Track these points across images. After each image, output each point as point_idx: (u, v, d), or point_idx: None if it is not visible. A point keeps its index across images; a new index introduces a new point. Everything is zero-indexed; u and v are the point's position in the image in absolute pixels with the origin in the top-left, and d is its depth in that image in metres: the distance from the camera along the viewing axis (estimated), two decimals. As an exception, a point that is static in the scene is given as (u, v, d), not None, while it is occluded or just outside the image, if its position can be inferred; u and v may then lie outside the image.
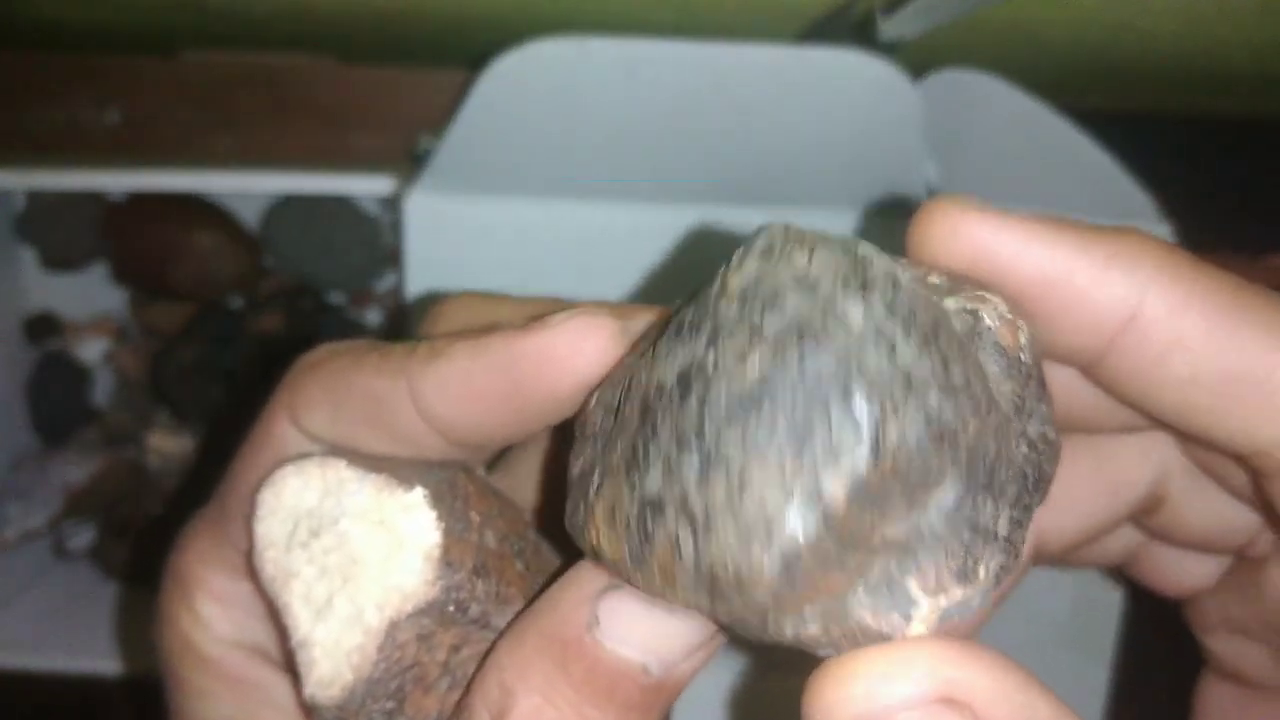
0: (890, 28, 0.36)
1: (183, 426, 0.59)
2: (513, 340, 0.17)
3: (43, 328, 0.60)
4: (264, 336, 0.59)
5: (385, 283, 0.61)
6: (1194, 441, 0.18)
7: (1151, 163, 0.38)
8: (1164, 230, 0.38)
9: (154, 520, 0.60)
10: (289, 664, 0.18)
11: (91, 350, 0.61)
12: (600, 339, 0.17)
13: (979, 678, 0.13)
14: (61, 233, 0.59)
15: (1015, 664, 0.14)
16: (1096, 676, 0.42)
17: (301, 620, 0.17)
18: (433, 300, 0.21)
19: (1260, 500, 0.19)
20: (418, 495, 0.17)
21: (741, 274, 0.14)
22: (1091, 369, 0.17)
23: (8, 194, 0.58)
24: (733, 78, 0.39)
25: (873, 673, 0.13)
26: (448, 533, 0.17)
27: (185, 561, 0.21)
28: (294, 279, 0.60)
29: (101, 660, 0.53)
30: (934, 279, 0.16)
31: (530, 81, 0.38)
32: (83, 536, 0.60)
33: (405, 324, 0.45)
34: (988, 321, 0.15)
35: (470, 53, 0.48)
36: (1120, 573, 0.23)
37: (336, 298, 0.62)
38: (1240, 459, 0.17)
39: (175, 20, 0.48)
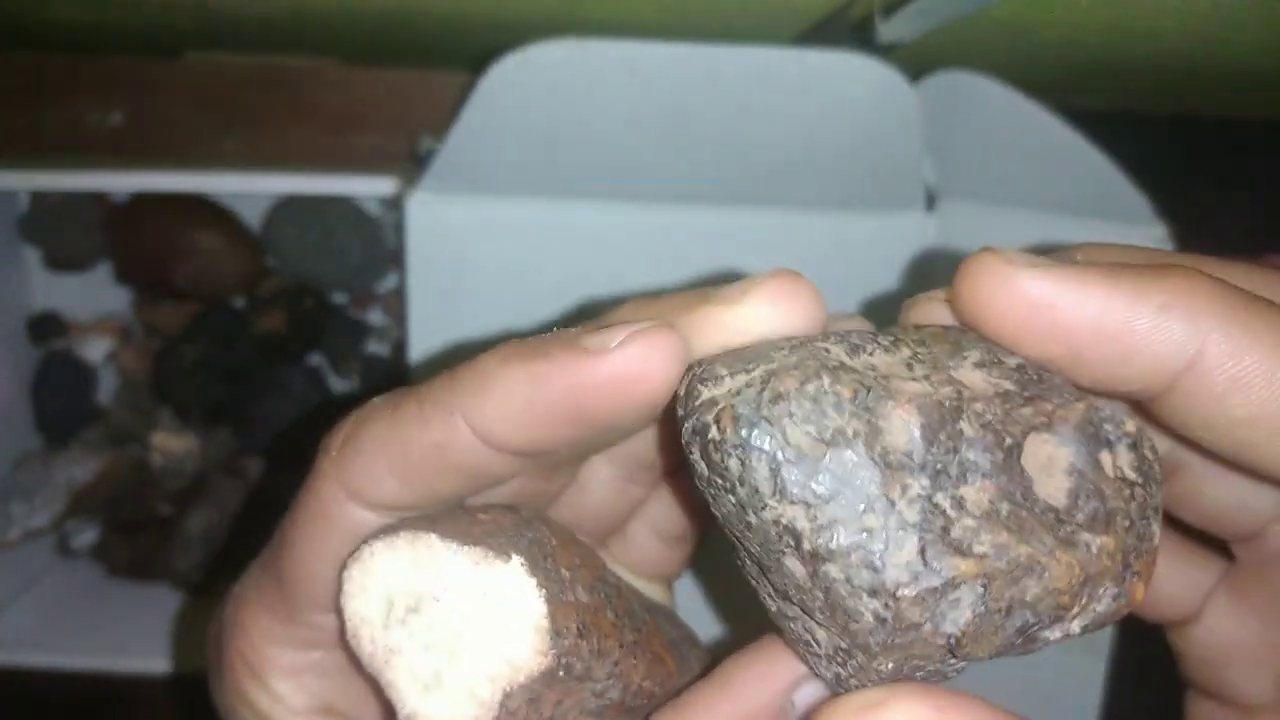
0: (888, 30, 0.36)
1: (186, 426, 0.59)
2: (573, 364, 0.16)
3: (47, 328, 0.61)
4: (266, 336, 0.59)
5: (387, 283, 0.61)
6: (1252, 475, 0.18)
7: (1148, 163, 0.38)
8: (1160, 231, 0.38)
9: (157, 519, 0.60)
10: None
11: (95, 350, 0.61)
12: (665, 357, 0.16)
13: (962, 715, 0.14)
14: (65, 233, 0.59)
15: (996, 710, 0.15)
16: (1094, 670, 0.42)
17: (409, 696, 0.17)
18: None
19: None
20: (516, 565, 0.17)
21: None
22: (1146, 405, 0.17)
23: (12, 194, 0.59)
24: (732, 80, 0.39)
25: (852, 709, 0.15)
26: (550, 599, 0.17)
27: (251, 645, 0.20)
28: (296, 279, 0.60)
29: (105, 658, 0.53)
30: (1008, 385, 0.16)
31: (531, 83, 0.38)
32: (86, 535, 0.60)
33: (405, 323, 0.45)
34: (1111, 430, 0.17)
35: (472, 55, 0.48)
36: None
37: (338, 298, 0.62)
38: None
39: (179, 22, 0.48)
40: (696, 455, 0.16)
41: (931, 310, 0.18)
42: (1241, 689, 0.21)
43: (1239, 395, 0.15)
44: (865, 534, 0.15)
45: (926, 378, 0.16)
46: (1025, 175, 0.41)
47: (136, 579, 0.60)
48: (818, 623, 0.16)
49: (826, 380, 0.15)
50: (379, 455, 0.18)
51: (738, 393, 0.15)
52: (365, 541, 0.18)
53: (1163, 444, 0.20)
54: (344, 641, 0.19)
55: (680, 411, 0.16)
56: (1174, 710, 0.23)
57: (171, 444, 0.59)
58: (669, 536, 0.24)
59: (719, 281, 0.18)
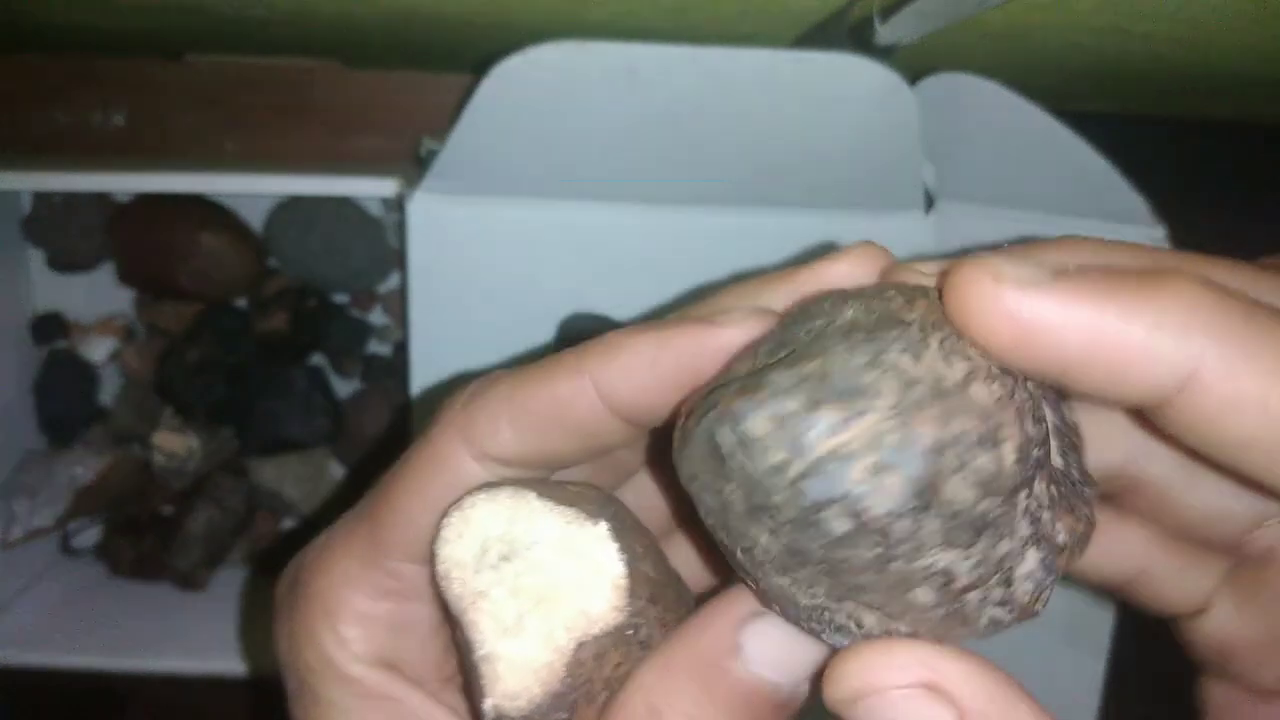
0: (887, 32, 0.37)
1: (188, 425, 0.60)
2: (696, 332, 0.19)
3: (49, 328, 0.61)
4: (269, 336, 0.60)
5: (389, 283, 0.62)
6: (1249, 486, 0.18)
7: (1146, 165, 0.39)
8: (1158, 233, 0.38)
9: (159, 519, 0.61)
10: (465, 676, 0.20)
11: (98, 350, 0.61)
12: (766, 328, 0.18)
13: (962, 673, 0.15)
14: (68, 234, 0.59)
15: (997, 668, 0.16)
16: (1092, 669, 0.43)
17: (489, 636, 0.19)
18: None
19: None
20: (603, 529, 0.19)
21: None
22: (1140, 417, 0.17)
23: (15, 195, 0.59)
24: (732, 82, 0.39)
25: (869, 660, 0.16)
26: (628, 564, 0.19)
27: (330, 583, 0.21)
28: (298, 279, 0.61)
29: (107, 657, 0.54)
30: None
31: (532, 85, 0.38)
32: (89, 534, 0.60)
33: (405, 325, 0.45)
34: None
35: (473, 57, 0.48)
36: (1118, 596, 0.23)
37: (340, 298, 0.62)
38: None
39: (181, 24, 0.48)
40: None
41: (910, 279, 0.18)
42: (1254, 678, 0.21)
43: (1233, 417, 0.15)
44: (1002, 560, 0.16)
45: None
46: (1023, 177, 0.41)
47: (138, 578, 0.60)
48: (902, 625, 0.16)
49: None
50: (501, 407, 0.20)
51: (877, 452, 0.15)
52: (468, 493, 0.20)
53: (1120, 455, 0.20)
54: (427, 594, 0.21)
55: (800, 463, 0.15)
56: (1173, 710, 0.23)
57: (173, 444, 0.59)
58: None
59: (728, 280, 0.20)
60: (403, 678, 0.22)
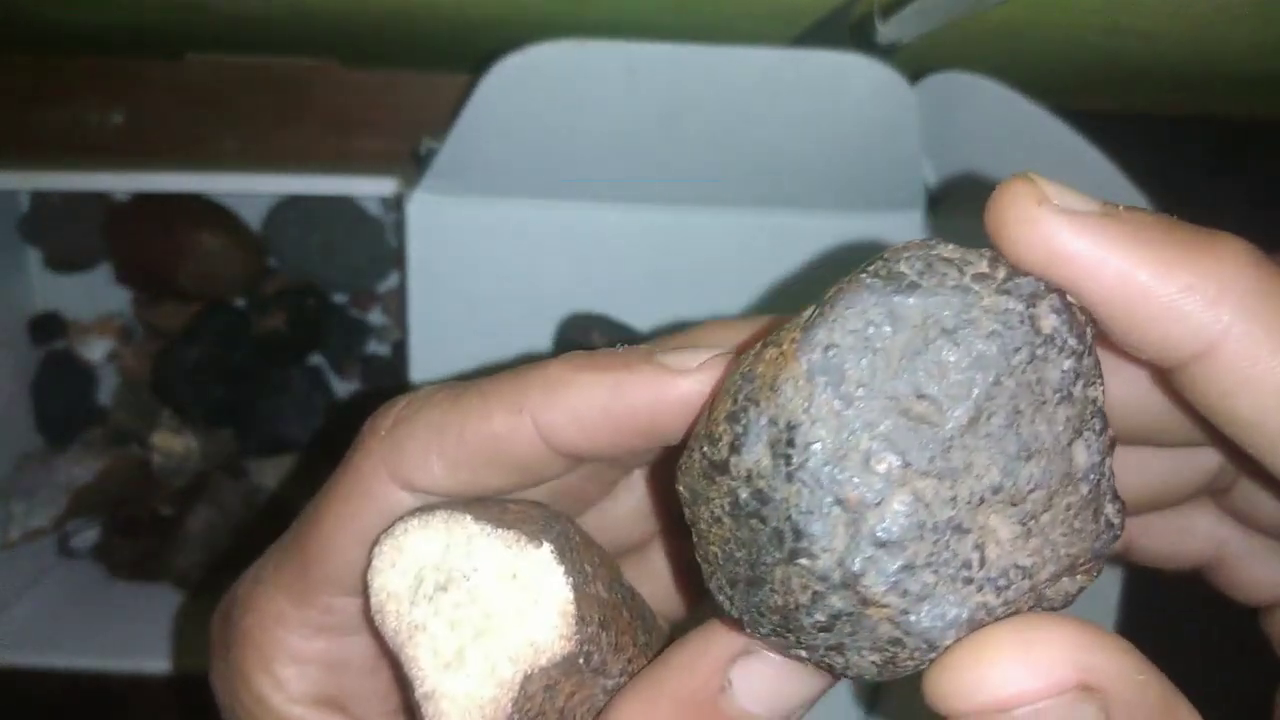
0: (887, 31, 0.37)
1: (186, 426, 0.59)
2: (655, 382, 0.17)
3: (47, 328, 0.61)
4: (267, 336, 0.59)
5: (388, 283, 0.62)
6: (1248, 464, 0.17)
7: (1148, 163, 0.38)
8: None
9: (157, 519, 0.60)
10: (409, 713, 0.18)
11: (96, 350, 0.61)
12: None
13: (1114, 665, 0.13)
14: (66, 233, 0.59)
15: (1143, 656, 0.14)
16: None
17: (429, 672, 0.17)
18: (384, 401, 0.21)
19: None
20: (547, 552, 0.17)
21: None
22: (1161, 374, 0.17)
23: (13, 195, 0.59)
24: (731, 80, 0.39)
25: (1005, 656, 0.13)
26: (576, 588, 0.18)
27: (260, 623, 0.20)
28: (297, 279, 0.61)
29: (106, 658, 0.53)
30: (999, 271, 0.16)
31: (531, 84, 0.38)
32: (87, 535, 0.60)
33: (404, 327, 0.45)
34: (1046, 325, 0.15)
35: (472, 56, 0.48)
36: (1200, 577, 0.22)
37: (339, 298, 0.62)
38: None
39: (180, 23, 0.48)
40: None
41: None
42: None
43: (1246, 396, 0.15)
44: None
45: None
46: (1024, 176, 0.41)
47: (137, 579, 0.60)
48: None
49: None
50: (432, 439, 0.18)
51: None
52: (400, 519, 0.18)
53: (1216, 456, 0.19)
54: (362, 622, 0.19)
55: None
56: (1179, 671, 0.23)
57: (172, 444, 0.59)
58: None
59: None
60: (345, 715, 0.21)
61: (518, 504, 0.19)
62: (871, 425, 0.14)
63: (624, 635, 0.19)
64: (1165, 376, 0.16)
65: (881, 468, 0.14)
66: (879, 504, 0.14)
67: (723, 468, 0.15)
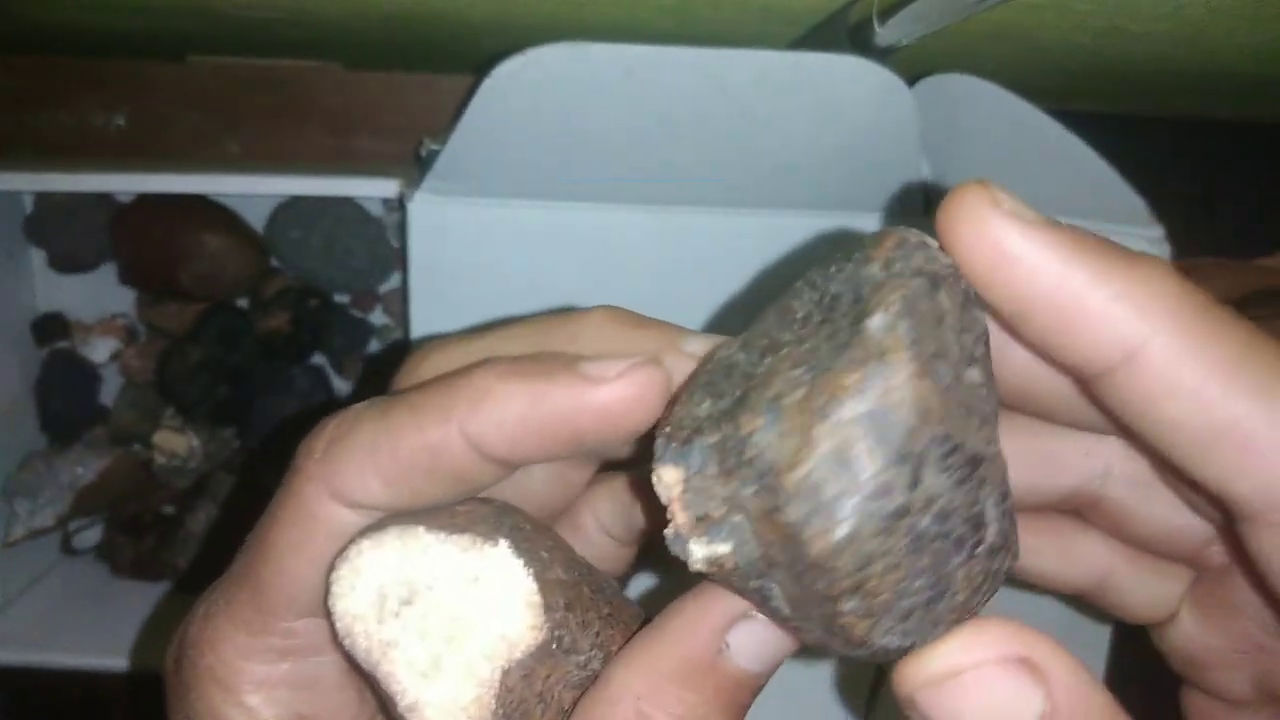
0: (886, 33, 0.37)
1: (189, 425, 0.60)
2: (574, 390, 0.18)
3: (51, 328, 0.61)
4: (270, 336, 0.60)
5: (389, 283, 0.62)
6: (1171, 473, 0.18)
7: (1144, 166, 0.39)
8: (1157, 232, 0.38)
9: (160, 519, 0.61)
10: None
11: (99, 350, 0.61)
12: (655, 393, 0.18)
13: (1051, 652, 0.15)
14: (70, 234, 0.59)
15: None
16: (1092, 668, 0.42)
17: (409, 685, 0.18)
18: (409, 351, 0.21)
19: (1228, 537, 0.20)
20: (503, 548, 0.18)
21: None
22: (1082, 383, 0.17)
23: (17, 196, 0.59)
24: (731, 83, 0.39)
25: (958, 639, 0.15)
26: (537, 577, 0.18)
27: (222, 660, 0.20)
28: (299, 280, 0.61)
29: (108, 657, 0.54)
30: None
31: (532, 86, 0.39)
32: (90, 534, 0.61)
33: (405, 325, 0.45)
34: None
35: (474, 59, 0.48)
36: (1084, 602, 0.23)
37: (341, 298, 0.62)
38: (1214, 500, 0.17)
39: (183, 25, 0.49)
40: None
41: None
42: (1224, 687, 0.21)
43: (1167, 402, 0.15)
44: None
45: None
46: (1022, 177, 0.41)
47: (140, 578, 0.60)
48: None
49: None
50: (367, 457, 0.18)
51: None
52: (352, 540, 0.18)
53: (1079, 475, 0.20)
54: (327, 646, 0.20)
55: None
56: (1172, 711, 0.23)
57: (175, 443, 0.59)
58: (619, 535, 0.24)
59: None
60: None
61: (465, 504, 0.19)
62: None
63: (589, 611, 0.19)
64: (1089, 384, 0.17)
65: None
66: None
67: (903, 511, 0.15)
